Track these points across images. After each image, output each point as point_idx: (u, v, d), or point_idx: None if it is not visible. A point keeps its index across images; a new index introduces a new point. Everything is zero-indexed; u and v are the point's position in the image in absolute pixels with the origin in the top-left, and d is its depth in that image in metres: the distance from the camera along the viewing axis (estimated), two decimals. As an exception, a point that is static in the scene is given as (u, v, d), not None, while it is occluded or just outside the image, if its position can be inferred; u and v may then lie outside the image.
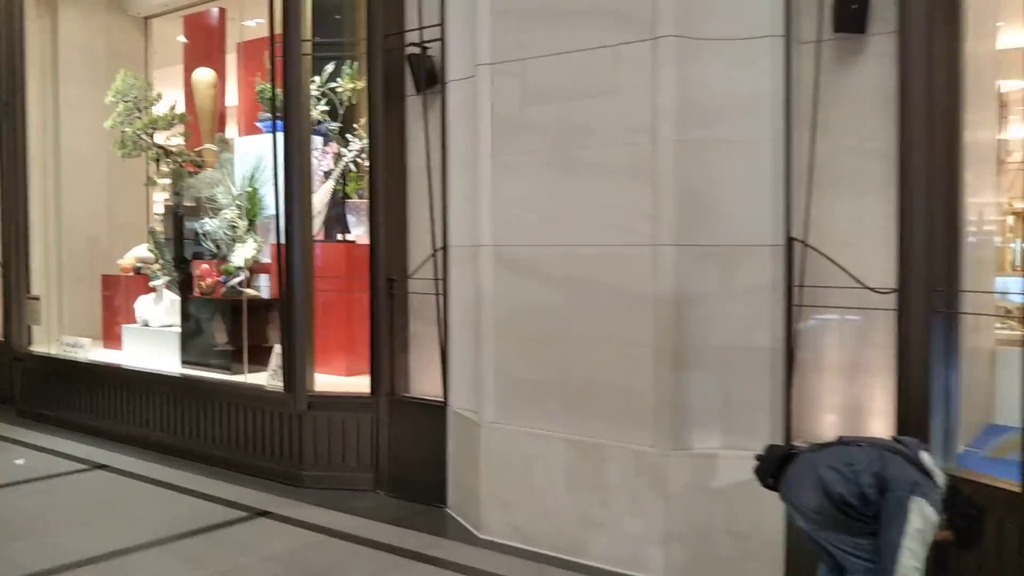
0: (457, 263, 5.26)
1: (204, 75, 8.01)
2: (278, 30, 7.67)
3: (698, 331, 4.29)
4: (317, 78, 6.87)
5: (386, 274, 5.66)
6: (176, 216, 7.98)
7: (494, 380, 4.86)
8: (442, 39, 5.30)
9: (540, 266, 4.66)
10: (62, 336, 8.14)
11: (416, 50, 5.41)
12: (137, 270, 8.25)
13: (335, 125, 7.16)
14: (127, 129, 7.95)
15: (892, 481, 3.06)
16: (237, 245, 7.13)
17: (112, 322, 8.33)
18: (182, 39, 10.23)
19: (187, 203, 7.94)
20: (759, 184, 4.21)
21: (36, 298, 8.21)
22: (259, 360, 6.70)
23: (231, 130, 8.62)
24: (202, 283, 6.99)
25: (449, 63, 5.24)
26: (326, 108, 7.11)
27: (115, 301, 8.33)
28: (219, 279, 6.97)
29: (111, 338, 8.26)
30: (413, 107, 5.66)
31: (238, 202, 7.28)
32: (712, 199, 4.25)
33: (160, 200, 9.95)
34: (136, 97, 8.02)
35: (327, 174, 7.19)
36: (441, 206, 5.36)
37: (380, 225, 5.68)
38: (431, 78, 5.41)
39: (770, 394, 4.26)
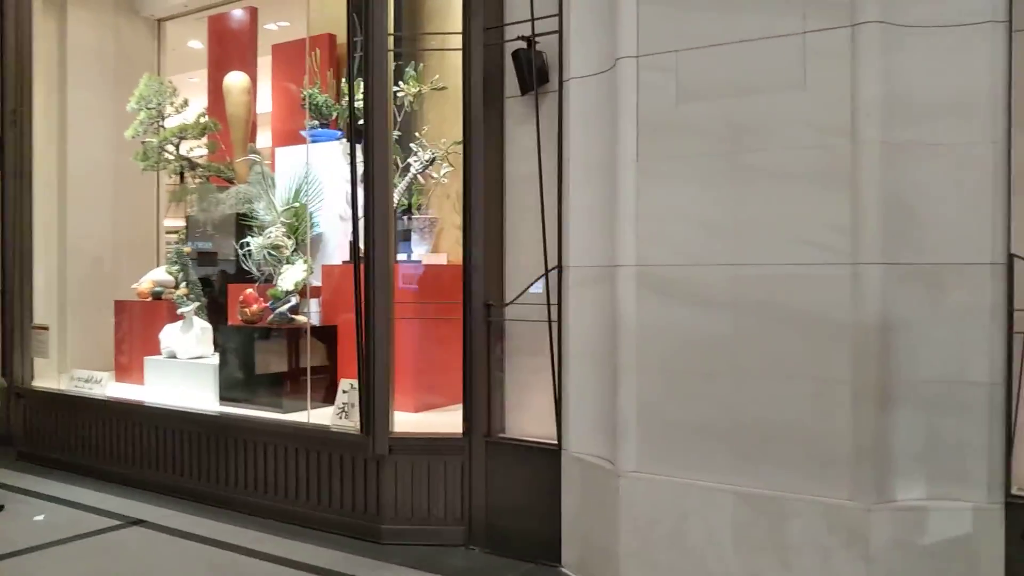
0: (577, 285, 4.59)
1: (237, 79, 7.27)
2: (330, 29, 7.09)
3: (903, 364, 3.67)
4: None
5: (484, 298, 4.97)
6: (205, 235, 7.23)
7: (637, 421, 4.18)
8: (560, 31, 4.67)
9: (700, 289, 4.02)
10: (73, 370, 7.26)
11: (522, 45, 4.78)
12: (157, 295, 7.42)
13: (395, 133, 6.46)
14: (152, 139, 7.17)
15: None
16: (285, 267, 6.37)
17: (126, 353, 7.48)
18: (196, 44, 9.52)
19: (213, 220, 7.21)
20: (975, 193, 3.63)
21: (44, 328, 7.33)
22: (310, 396, 5.98)
23: (263, 140, 7.88)
24: (246, 310, 6.21)
25: (570, 58, 4.60)
26: (385, 115, 6.41)
27: (130, 330, 7.48)
28: (266, 305, 6.20)
29: (125, 371, 7.40)
30: (514, 109, 5.01)
31: (283, 219, 6.54)
32: (920, 211, 3.66)
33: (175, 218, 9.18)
34: (159, 104, 7.24)
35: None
36: (556, 220, 4.69)
37: (475, 243, 5.00)
38: (541, 76, 4.79)
39: (987, 435, 3.65)
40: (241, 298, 6.26)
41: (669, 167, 4.09)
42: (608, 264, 4.33)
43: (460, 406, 5.17)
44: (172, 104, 7.24)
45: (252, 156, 6.59)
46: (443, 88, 6.35)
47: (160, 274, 7.57)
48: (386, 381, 5.10)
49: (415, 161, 6.18)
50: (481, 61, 4.97)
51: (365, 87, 5.13)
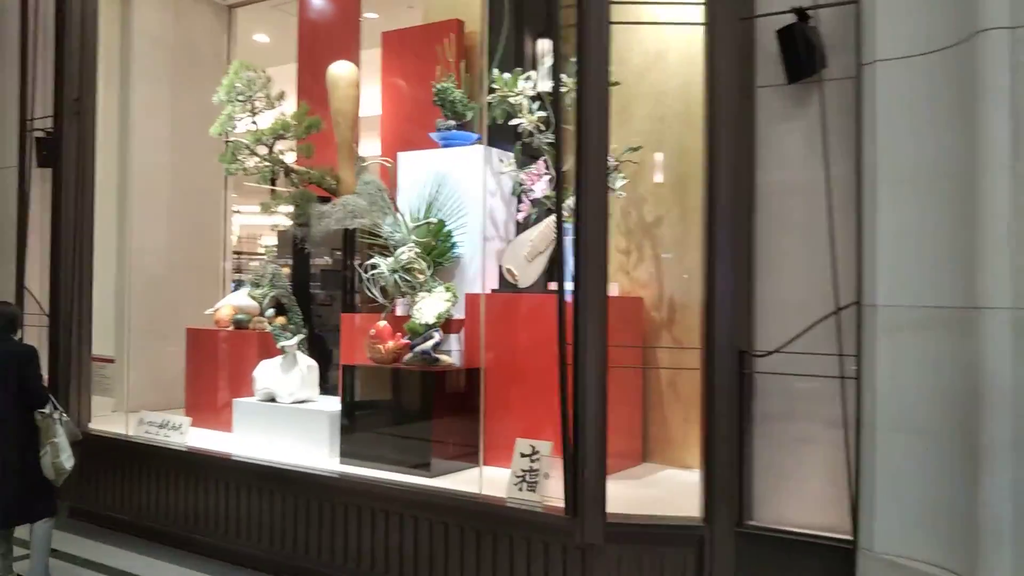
0: (893, 331, 3.47)
1: (345, 70, 6.09)
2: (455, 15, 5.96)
3: None
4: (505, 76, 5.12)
5: (735, 344, 3.86)
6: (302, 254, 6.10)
7: (1014, 522, 3.07)
8: (857, 1, 3.60)
9: (1123, 343, 2.93)
10: (143, 412, 6.06)
11: (790, 20, 3.72)
12: (240, 323, 6.25)
13: (551, 137, 5.34)
14: (243, 138, 6.02)
15: None
16: (421, 295, 5.22)
17: (204, 392, 6.29)
18: (262, 37, 8.43)
19: (317, 236, 6.06)
20: None
21: (109, 360, 6.14)
22: (459, 456, 4.86)
23: (365, 146, 6.74)
24: (379, 346, 5.05)
25: (875, 34, 3.51)
26: (542, 114, 5.32)
27: (209, 365, 6.30)
28: (406, 342, 5.04)
29: (202, 414, 6.20)
30: (768, 103, 3.93)
31: (414, 237, 5.39)
32: None
33: (242, 233, 8.05)
34: (251, 96, 6.09)
35: (536, 203, 5.40)
36: (856, 244, 3.59)
37: (722, 273, 3.89)
38: (820, 60, 3.72)
39: None
40: (372, 332, 5.10)
41: (1070, 176, 3.00)
42: (958, 305, 3.23)
43: (629, 473, 4.10)
44: (267, 97, 6.08)
45: (382, 161, 5.44)
46: (616, 83, 5.26)
47: (241, 298, 6.41)
48: (601, 447, 3.96)
49: (589, 170, 5.04)
50: (735, 40, 3.88)
51: (580, 71, 4.03)
